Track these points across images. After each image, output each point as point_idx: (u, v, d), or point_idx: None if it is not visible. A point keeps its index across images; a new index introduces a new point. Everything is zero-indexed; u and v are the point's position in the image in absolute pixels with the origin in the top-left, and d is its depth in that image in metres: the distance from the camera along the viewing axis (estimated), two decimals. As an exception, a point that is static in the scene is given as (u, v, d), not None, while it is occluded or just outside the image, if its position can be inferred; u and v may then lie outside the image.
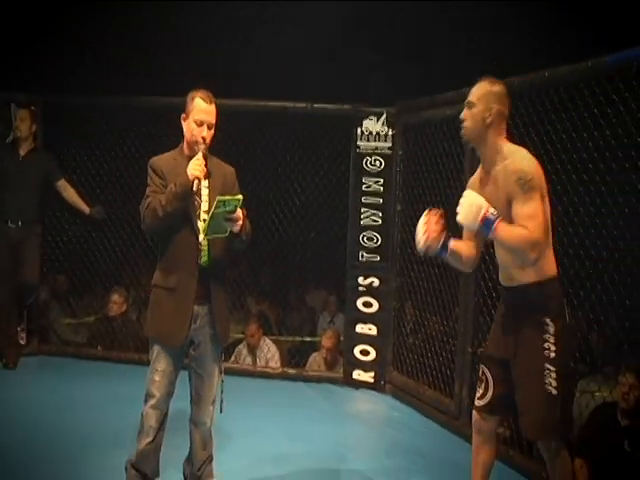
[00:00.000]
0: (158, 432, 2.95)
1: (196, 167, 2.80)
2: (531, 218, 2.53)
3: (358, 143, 5.03)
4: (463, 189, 4.02)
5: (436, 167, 4.59)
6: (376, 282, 4.99)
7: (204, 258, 2.88)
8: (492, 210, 2.56)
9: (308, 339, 6.09)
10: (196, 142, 2.86)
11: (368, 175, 5.02)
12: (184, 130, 2.92)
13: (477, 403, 2.84)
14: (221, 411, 3.03)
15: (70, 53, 6.52)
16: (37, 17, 6.51)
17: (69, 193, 5.25)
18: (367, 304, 5.01)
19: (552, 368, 2.59)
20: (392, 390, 4.91)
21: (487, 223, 2.55)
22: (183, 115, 2.92)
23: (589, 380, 3.96)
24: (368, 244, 5.02)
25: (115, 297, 5.49)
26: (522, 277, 2.67)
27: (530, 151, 2.70)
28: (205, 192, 2.89)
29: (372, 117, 5.03)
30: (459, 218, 2.62)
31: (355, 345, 5.02)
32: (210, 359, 2.96)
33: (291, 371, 5.22)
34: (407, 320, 5.07)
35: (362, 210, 5.03)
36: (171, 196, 2.79)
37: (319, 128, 5.41)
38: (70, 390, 4.55)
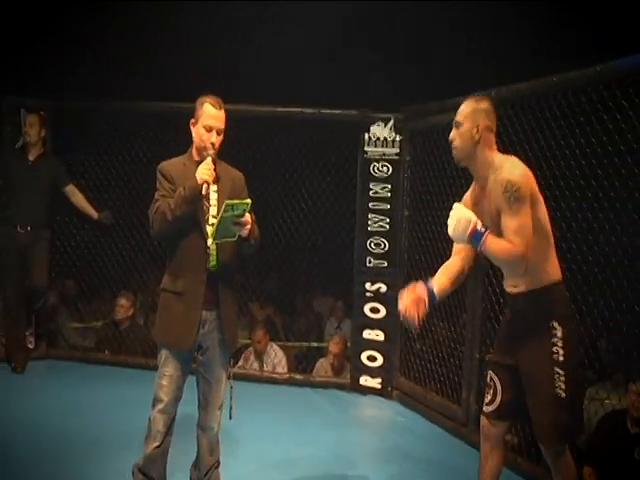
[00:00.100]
0: (166, 437, 2.94)
1: (205, 171, 2.80)
2: (516, 233, 2.55)
3: (365, 149, 5.04)
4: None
5: (444, 173, 4.58)
6: (383, 288, 4.99)
7: (213, 262, 2.88)
8: (480, 224, 2.59)
9: (315, 345, 6.08)
10: (205, 147, 2.87)
11: (375, 181, 5.02)
12: (193, 135, 2.93)
13: (485, 409, 2.83)
14: (230, 417, 3.02)
15: (70, 54, 6.53)
16: (39, 20, 6.53)
17: (77, 198, 5.27)
18: (374, 310, 5.00)
19: (561, 372, 2.59)
20: (399, 396, 4.89)
21: (476, 236, 2.59)
22: (192, 120, 2.93)
23: (598, 387, 3.94)
24: (375, 250, 5.01)
25: (122, 301, 5.50)
26: (526, 284, 2.67)
27: (522, 159, 2.71)
28: (214, 197, 2.90)
29: (379, 123, 5.03)
30: (449, 231, 2.66)
31: (362, 351, 5.01)
32: (218, 364, 2.96)
33: (298, 377, 5.21)
34: (414, 326, 5.05)
35: (369, 216, 5.02)
36: (180, 200, 2.80)
37: (326, 134, 5.41)
38: (78, 394, 4.56)
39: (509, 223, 2.56)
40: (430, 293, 2.72)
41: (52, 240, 5.38)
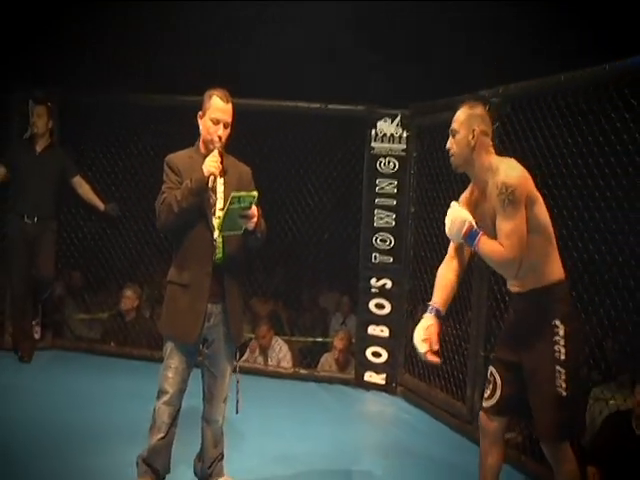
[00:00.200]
0: (170, 428, 2.96)
1: (212, 164, 2.81)
2: (508, 236, 2.57)
3: (372, 144, 5.03)
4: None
5: (450, 169, 4.52)
6: (389, 284, 4.99)
7: (219, 255, 2.89)
8: (475, 226, 2.64)
9: (320, 340, 6.08)
10: (212, 140, 2.88)
11: (382, 177, 5.02)
12: (200, 128, 2.94)
13: (484, 404, 2.85)
14: (237, 411, 3.03)
15: (70, 53, 6.56)
16: (46, 13, 6.55)
17: (84, 189, 5.28)
18: (379, 306, 5.00)
19: (562, 370, 2.61)
20: (403, 392, 4.90)
21: (470, 237, 2.64)
22: (200, 113, 2.93)
23: (603, 388, 3.93)
24: (381, 246, 5.01)
25: (128, 292, 5.53)
26: (527, 283, 2.69)
27: (528, 157, 2.73)
28: (220, 189, 2.91)
29: (386, 119, 5.02)
30: (446, 230, 2.72)
31: (367, 347, 5.02)
32: (223, 358, 2.98)
33: (303, 371, 5.22)
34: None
35: (375, 212, 5.02)
36: (186, 192, 2.80)
37: (333, 129, 5.40)
38: (83, 385, 4.58)
39: (502, 226, 2.59)
40: (440, 323, 2.81)
41: (59, 231, 5.39)
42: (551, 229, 2.70)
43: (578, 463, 2.71)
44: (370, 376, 5.01)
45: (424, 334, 2.78)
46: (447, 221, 2.70)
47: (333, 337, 5.64)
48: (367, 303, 5.02)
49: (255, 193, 2.82)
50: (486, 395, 2.83)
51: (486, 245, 2.62)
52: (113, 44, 6.73)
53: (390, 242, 5.00)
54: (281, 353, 5.39)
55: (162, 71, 5.88)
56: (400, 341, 4.96)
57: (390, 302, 4.98)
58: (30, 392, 4.37)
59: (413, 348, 4.83)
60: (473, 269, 4.20)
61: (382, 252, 5.01)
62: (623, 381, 3.86)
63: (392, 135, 5.00)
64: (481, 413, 2.87)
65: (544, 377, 2.62)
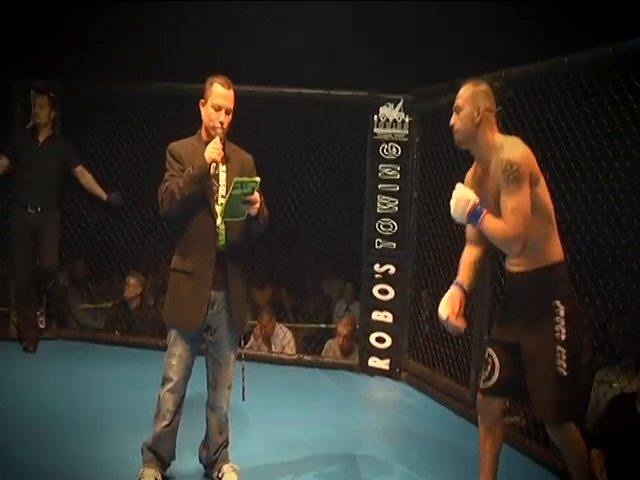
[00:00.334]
0: (175, 415, 2.98)
1: (214, 150, 2.81)
2: (513, 213, 2.57)
3: (375, 130, 5.01)
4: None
5: (453, 154, 4.55)
6: (392, 269, 4.98)
7: (221, 242, 2.89)
8: (479, 204, 2.62)
9: (324, 326, 6.09)
10: (214, 127, 2.87)
11: (384, 162, 5.00)
12: (202, 115, 2.93)
13: (482, 385, 2.85)
14: (243, 399, 3.03)
15: (70, 53, 6.55)
16: (49, 5, 6.54)
17: (87, 179, 5.28)
18: (383, 291, 5.00)
19: (563, 350, 2.61)
20: (407, 378, 4.91)
21: (474, 215, 2.63)
22: (202, 101, 2.93)
23: (607, 370, 3.93)
24: (384, 231, 5.00)
25: (131, 280, 5.54)
26: (528, 263, 2.68)
27: (530, 140, 2.71)
28: (223, 176, 2.91)
29: (389, 104, 5.00)
30: (451, 212, 2.69)
31: (371, 332, 5.02)
32: (227, 345, 2.98)
33: (307, 358, 5.24)
34: (423, 308, 5.06)
35: (378, 197, 5.01)
36: (189, 179, 2.80)
37: (336, 115, 5.38)
38: (88, 373, 4.60)
39: (507, 203, 2.58)
40: (463, 294, 2.79)
41: (62, 221, 5.40)
42: (552, 210, 2.70)
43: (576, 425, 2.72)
44: (374, 361, 5.02)
45: (446, 302, 2.77)
46: (452, 201, 2.68)
47: (337, 323, 5.65)
48: (371, 289, 5.03)
49: (257, 179, 2.81)
50: (484, 376, 2.84)
51: (490, 223, 2.61)
52: (113, 44, 6.73)
53: (393, 228, 4.99)
54: (285, 340, 5.40)
55: (162, 71, 5.86)
56: (404, 326, 4.97)
57: (394, 288, 4.98)
58: (35, 381, 4.39)
59: (418, 332, 4.89)
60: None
61: (385, 238, 5.01)
62: (627, 364, 3.85)
63: (394, 120, 4.98)
64: (479, 394, 2.87)
65: (545, 357, 2.63)
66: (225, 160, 2.89)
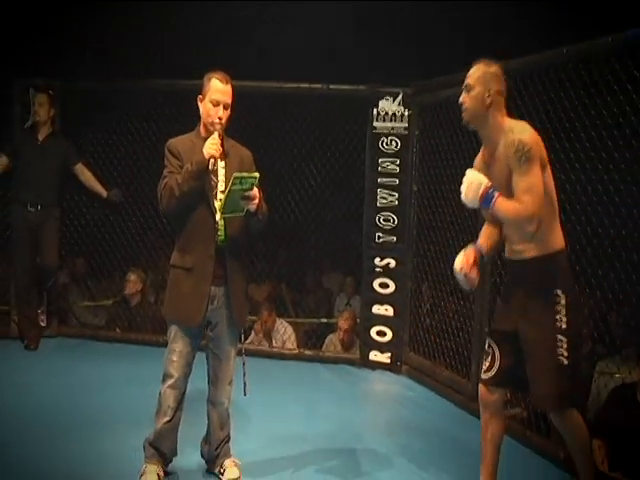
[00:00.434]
0: (176, 412, 2.98)
1: (212, 146, 2.81)
2: (527, 192, 2.57)
3: (374, 124, 5.00)
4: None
5: (452, 147, 4.55)
6: (392, 263, 4.98)
7: (221, 237, 2.89)
8: (491, 188, 2.62)
9: (325, 321, 6.09)
10: (212, 122, 2.87)
11: (384, 156, 4.99)
12: (200, 111, 2.93)
13: (483, 376, 2.85)
14: (245, 394, 3.04)
15: (70, 53, 6.55)
16: (45, 14, 6.55)
17: (86, 177, 5.28)
18: (383, 285, 5.00)
19: (564, 339, 2.62)
20: (408, 371, 4.91)
21: (487, 199, 2.62)
22: (200, 96, 2.93)
23: (608, 361, 3.93)
24: (384, 225, 5.00)
25: (132, 277, 5.55)
26: (529, 250, 2.68)
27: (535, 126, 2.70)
28: (222, 172, 2.91)
29: (388, 97, 4.99)
30: (462, 197, 2.68)
31: (371, 326, 5.02)
32: (227, 340, 2.98)
33: (308, 352, 5.24)
34: (423, 301, 5.07)
35: (378, 191, 5.00)
36: (187, 175, 2.80)
37: (335, 109, 5.37)
38: (89, 371, 4.60)
39: (520, 182, 2.58)
40: (480, 253, 2.79)
41: (62, 219, 5.40)
42: (555, 198, 2.71)
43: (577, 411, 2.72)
44: (375, 355, 5.02)
45: (461, 256, 2.78)
46: (463, 186, 2.66)
47: (337, 317, 5.66)
48: (371, 282, 5.02)
49: (256, 174, 2.81)
50: (484, 367, 2.84)
51: (503, 205, 2.60)
52: (113, 44, 6.73)
53: (393, 221, 4.99)
54: (285, 335, 5.41)
55: (162, 71, 5.87)
56: (404, 320, 4.97)
57: (394, 281, 4.98)
58: (36, 379, 4.40)
59: (418, 325, 4.89)
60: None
61: (385, 231, 5.00)
62: (628, 354, 3.86)
63: (394, 114, 4.97)
64: (480, 385, 2.88)
65: (545, 346, 2.63)
66: (224, 156, 2.88)
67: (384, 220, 5.00)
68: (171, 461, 3.09)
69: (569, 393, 2.65)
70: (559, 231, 2.71)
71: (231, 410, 3.12)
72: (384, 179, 5.00)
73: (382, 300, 5.00)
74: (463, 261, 2.76)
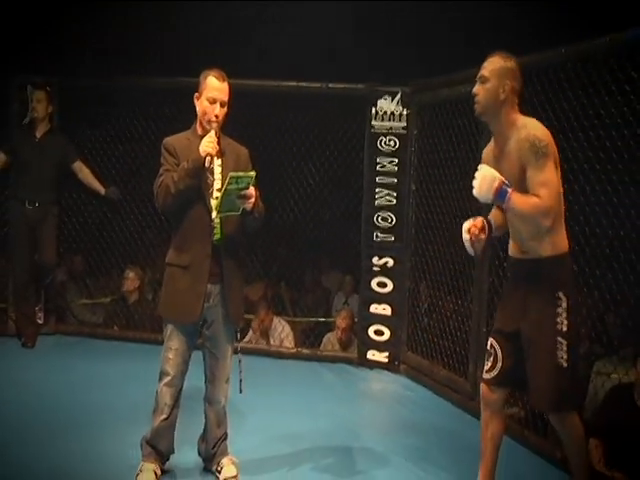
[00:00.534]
0: (173, 410, 2.98)
1: (208, 144, 2.81)
2: (544, 186, 2.56)
3: (373, 123, 5.00)
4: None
5: (451, 147, 4.55)
6: (390, 262, 4.98)
7: (217, 235, 2.89)
8: (505, 182, 2.59)
9: (323, 319, 6.09)
10: (209, 120, 2.87)
11: (383, 155, 4.99)
12: (197, 109, 2.93)
13: (485, 376, 2.85)
14: (240, 391, 3.05)
15: (70, 53, 6.54)
16: (45, 14, 6.53)
17: (84, 174, 5.27)
18: (381, 284, 5.00)
19: (564, 341, 2.62)
20: (406, 370, 4.91)
21: (501, 193, 2.58)
22: (196, 94, 2.92)
23: (605, 361, 3.94)
24: (382, 224, 5.00)
25: (130, 274, 5.54)
26: (536, 250, 2.68)
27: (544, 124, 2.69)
28: (218, 170, 2.91)
29: (387, 97, 4.99)
30: (474, 191, 2.64)
31: (369, 325, 5.02)
32: (223, 338, 2.98)
33: (305, 351, 5.24)
34: (421, 300, 5.07)
35: (376, 190, 5.00)
36: (183, 173, 2.80)
37: (334, 108, 5.37)
38: (86, 369, 4.60)
39: (536, 177, 2.57)
40: (489, 225, 2.76)
41: (60, 216, 5.39)
42: (563, 198, 2.70)
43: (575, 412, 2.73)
44: (373, 354, 5.02)
45: (471, 220, 2.76)
46: (476, 181, 2.63)
47: (335, 316, 5.65)
48: (369, 281, 5.02)
49: (253, 173, 2.81)
50: (487, 367, 2.84)
51: (519, 199, 2.58)
52: (113, 44, 6.72)
53: (391, 220, 4.99)
54: (283, 333, 5.40)
55: (162, 71, 5.87)
56: (402, 319, 4.97)
57: (392, 280, 4.98)
58: (34, 377, 4.39)
59: (416, 325, 4.90)
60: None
61: (384, 230, 5.00)
62: (625, 355, 3.86)
63: (392, 113, 4.97)
64: (483, 385, 2.88)
65: (545, 347, 2.63)
66: (220, 154, 2.89)
67: (382, 219, 5.00)
68: (168, 459, 3.09)
69: (567, 395, 2.66)
70: (564, 233, 2.70)
71: (228, 408, 3.12)
72: (382, 178, 5.00)
73: (380, 299, 5.00)
74: (472, 223, 2.74)
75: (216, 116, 2.86)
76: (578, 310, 2.77)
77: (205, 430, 3.13)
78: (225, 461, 3.09)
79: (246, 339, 5.39)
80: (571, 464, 2.80)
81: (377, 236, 5.01)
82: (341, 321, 5.31)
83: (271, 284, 6.52)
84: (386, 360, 4.99)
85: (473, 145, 4.27)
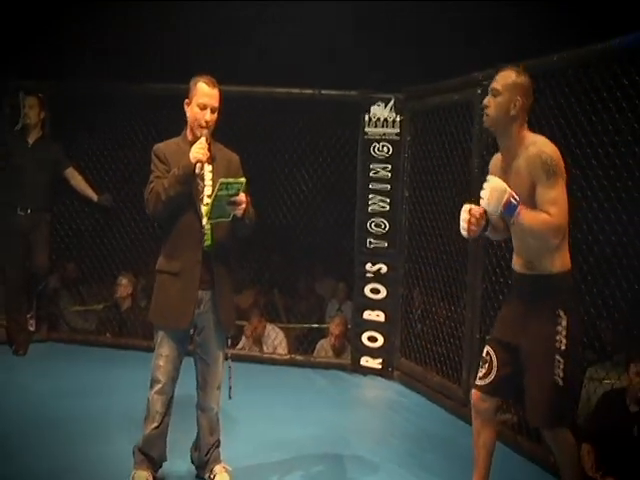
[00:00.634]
0: (164, 417, 2.97)
1: (199, 150, 2.80)
2: (554, 204, 2.55)
3: (366, 129, 5.01)
4: (471, 175, 4.01)
5: (444, 153, 4.56)
6: (384, 268, 4.98)
7: (207, 242, 2.88)
8: (515, 196, 2.57)
9: (316, 326, 6.08)
10: (199, 126, 2.86)
11: (376, 161, 5.00)
12: (187, 115, 2.92)
13: (478, 382, 2.83)
14: (230, 397, 3.05)
15: (70, 53, 6.54)
16: (38, 14, 6.52)
17: (77, 181, 5.26)
18: (375, 290, 5.00)
19: (561, 360, 2.60)
20: (400, 376, 4.91)
21: (510, 208, 2.56)
22: (186, 101, 2.92)
23: (597, 367, 3.94)
24: (376, 230, 5.00)
25: (123, 281, 5.53)
26: (543, 267, 2.65)
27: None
28: (208, 176, 2.90)
29: (380, 103, 5.00)
30: (483, 203, 2.62)
31: (363, 332, 5.02)
32: (214, 345, 2.98)
33: (299, 357, 5.23)
34: (415, 306, 5.07)
35: (370, 196, 5.00)
36: (173, 179, 2.80)
37: (327, 114, 5.38)
38: (78, 376, 4.58)
39: (546, 194, 2.55)
40: (486, 224, 2.74)
41: (53, 223, 5.37)
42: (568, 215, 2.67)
43: (569, 430, 2.72)
44: (366, 361, 5.01)
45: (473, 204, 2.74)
46: (485, 193, 2.60)
47: (329, 323, 5.64)
48: (362, 288, 5.02)
49: (243, 179, 2.81)
50: (481, 374, 2.82)
51: (529, 214, 2.56)
52: (113, 44, 6.71)
53: (385, 227, 4.99)
54: (277, 340, 5.39)
55: (161, 71, 5.86)
56: (396, 325, 4.97)
57: (385, 287, 4.98)
58: (25, 385, 4.37)
59: (410, 331, 4.89)
60: (468, 251, 4.21)
61: (377, 237, 5.01)
62: (618, 360, 3.87)
63: (386, 119, 4.98)
64: (474, 391, 2.86)
65: (543, 364, 2.62)
66: (211, 160, 2.88)
67: (375, 225, 5.01)
68: (161, 467, 3.07)
69: (561, 412, 2.65)
70: (567, 251, 2.69)
71: (221, 415, 3.11)
72: (376, 185, 5.01)
73: (373, 305, 5.00)
74: (471, 205, 2.72)
75: (206, 122, 2.86)
76: (580, 330, 2.76)
77: (198, 437, 3.11)
78: (218, 468, 3.07)
79: (239, 346, 5.38)
80: (563, 478, 2.79)
81: (370, 242, 5.01)
82: (335, 328, 5.30)
83: (264, 291, 6.50)
84: (379, 366, 4.99)
85: (466, 151, 4.29)
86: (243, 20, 6.65)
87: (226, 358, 3.02)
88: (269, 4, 6.48)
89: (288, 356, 5.26)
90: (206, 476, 3.09)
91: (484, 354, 2.84)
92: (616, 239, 3.33)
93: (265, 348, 5.37)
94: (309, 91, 5.13)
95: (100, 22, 6.58)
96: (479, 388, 2.83)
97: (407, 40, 6.51)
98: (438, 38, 6.38)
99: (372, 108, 5.01)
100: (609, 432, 3.26)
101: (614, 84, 3.20)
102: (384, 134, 4.98)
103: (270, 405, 4.22)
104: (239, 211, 2.82)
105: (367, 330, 5.01)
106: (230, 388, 3.03)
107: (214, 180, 2.85)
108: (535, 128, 2.85)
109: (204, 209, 2.85)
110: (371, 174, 5.00)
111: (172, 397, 2.98)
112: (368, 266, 5.01)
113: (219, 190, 2.71)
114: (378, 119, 5.00)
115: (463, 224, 2.73)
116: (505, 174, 2.69)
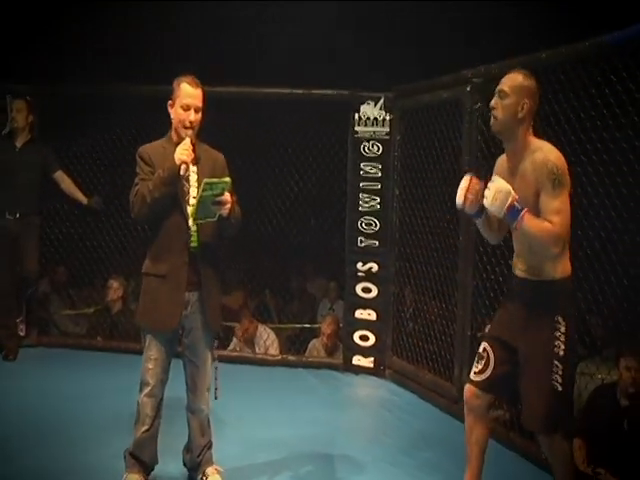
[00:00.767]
0: (154, 420, 2.96)
1: (183, 152, 2.79)
2: (557, 213, 2.54)
3: (356, 128, 5.00)
4: (462, 172, 3.99)
5: (434, 151, 4.56)
6: (375, 267, 4.98)
7: (194, 243, 2.87)
8: (518, 200, 2.55)
9: (308, 326, 6.07)
10: (184, 127, 2.85)
11: (366, 160, 4.99)
12: (172, 116, 2.91)
13: (473, 377, 2.82)
14: (216, 397, 3.04)
15: (70, 53, 6.51)
16: (38, 14, 6.49)
17: (66, 184, 5.23)
18: (366, 289, 4.99)
19: (560, 365, 2.60)
20: (392, 375, 4.90)
21: (514, 211, 2.54)
22: (170, 102, 2.91)
23: (588, 362, 3.95)
24: (367, 229, 5.00)
25: (114, 284, 5.50)
26: (545, 273, 2.65)
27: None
28: (194, 178, 2.89)
29: (370, 102, 5.00)
30: (486, 203, 2.60)
31: (354, 331, 5.01)
32: (203, 346, 2.96)
33: (291, 358, 5.22)
34: (406, 305, 5.07)
35: (360, 195, 5.00)
36: (158, 181, 2.78)
37: (317, 114, 5.37)
38: (69, 381, 4.54)
39: (550, 204, 2.54)
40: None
41: (42, 227, 5.34)
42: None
43: (565, 436, 2.72)
44: (358, 360, 5.01)
45: (463, 192, 2.71)
46: (489, 193, 2.58)
47: (321, 323, 5.64)
48: (354, 287, 5.02)
49: (227, 179, 2.80)
50: (476, 369, 2.81)
51: (532, 221, 2.54)
52: (112, 44, 6.70)
53: (375, 225, 4.99)
54: (268, 340, 5.38)
55: (161, 71, 5.85)
56: (387, 324, 4.97)
57: (377, 285, 4.98)
58: (16, 390, 4.32)
59: (401, 330, 4.89)
60: (458, 249, 4.21)
61: (368, 236, 5.00)
62: (608, 355, 3.88)
63: (375, 118, 4.98)
64: (467, 387, 2.85)
65: (541, 369, 2.62)
66: (195, 161, 2.87)
67: (366, 224, 5.00)
68: (152, 470, 3.06)
69: (558, 418, 2.65)
70: (568, 258, 2.69)
71: (212, 416, 3.10)
72: (366, 183, 5.00)
73: (365, 304, 5.00)
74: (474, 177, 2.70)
75: (191, 122, 2.85)
76: (576, 337, 2.76)
77: (189, 439, 3.10)
78: (210, 470, 3.06)
79: (230, 347, 5.37)
80: None
81: (361, 241, 5.01)
82: (326, 327, 5.29)
83: (256, 291, 6.49)
84: (371, 365, 4.98)
85: (456, 149, 4.29)
86: (243, 20, 6.65)
87: (214, 359, 3.01)
88: (269, 4, 6.49)
89: (280, 356, 5.25)
90: (198, 478, 3.08)
91: (480, 350, 2.82)
92: (605, 235, 3.34)
93: (257, 349, 5.35)
94: (299, 91, 5.12)
95: (100, 22, 6.56)
96: (475, 384, 2.81)
97: (407, 40, 6.52)
98: (438, 38, 6.38)
99: (362, 107, 5.01)
100: (600, 426, 3.27)
101: (602, 81, 3.19)
102: (374, 133, 4.98)
103: (262, 406, 4.20)
104: (225, 211, 2.81)
105: (359, 329, 5.01)
106: (216, 389, 3.03)
107: (199, 181, 2.83)
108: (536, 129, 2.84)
109: (190, 210, 2.84)
110: (361, 173, 5.00)
111: (162, 400, 2.97)
112: (359, 265, 5.00)
113: (204, 191, 2.70)
114: (368, 118, 5.00)
115: (460, 191, 2.71)
116: (511, 176, 2.67)
